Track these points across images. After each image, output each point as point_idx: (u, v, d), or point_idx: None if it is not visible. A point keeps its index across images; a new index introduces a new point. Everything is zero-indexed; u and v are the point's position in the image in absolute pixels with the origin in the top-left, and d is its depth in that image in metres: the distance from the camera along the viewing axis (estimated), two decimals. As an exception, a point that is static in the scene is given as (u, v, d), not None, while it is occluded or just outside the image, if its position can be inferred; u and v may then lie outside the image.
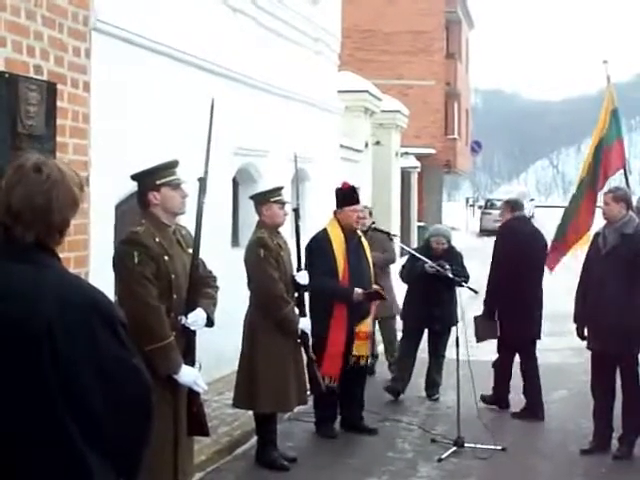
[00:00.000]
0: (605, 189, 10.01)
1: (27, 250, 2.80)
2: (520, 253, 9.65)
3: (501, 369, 10.10)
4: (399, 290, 11.20)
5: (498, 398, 10.04)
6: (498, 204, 47.16)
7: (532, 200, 64.33)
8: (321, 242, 8.53)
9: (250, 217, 9.69)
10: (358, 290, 8.37)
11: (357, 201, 8.64)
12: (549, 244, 10.34)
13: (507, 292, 9.60)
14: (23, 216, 2.79)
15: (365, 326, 8.69)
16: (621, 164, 11.10)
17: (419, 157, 31.73)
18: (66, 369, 2.68)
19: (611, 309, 7.94)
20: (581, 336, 8.52)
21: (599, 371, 8.37)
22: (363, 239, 8.85)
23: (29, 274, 2.77)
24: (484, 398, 9.91)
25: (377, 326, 11.21)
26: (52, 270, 2.83)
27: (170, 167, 5.57)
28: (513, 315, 9.63)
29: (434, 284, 9.69)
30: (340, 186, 8.79)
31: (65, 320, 2.69)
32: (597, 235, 8.44)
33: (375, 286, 8.66)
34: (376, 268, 9.35)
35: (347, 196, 8.63)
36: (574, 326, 8.81)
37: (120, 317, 2.87)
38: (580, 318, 8.47)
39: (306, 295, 7.89)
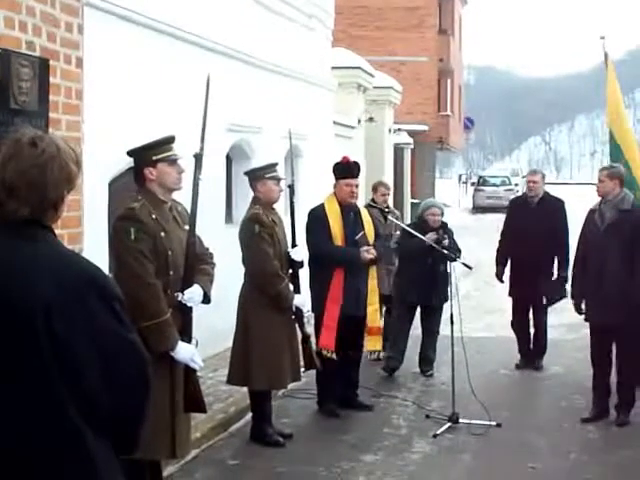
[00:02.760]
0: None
1: (22, 226, 2.78)
2: None
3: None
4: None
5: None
6: (491, 181, 47.44)
7: (525, 177, 64.18)
8: (317, 216, 8.56)
9: (244, 194, 9.69)
10: (362, 249, 8.47)
11: (352, 175, 8.62)
12: None
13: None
14: (17, 190, 2.76)
15: (376, 322, 8.93)
16: None
17: (412, 134, 31.67)
18: (63, 346, 2.66)
19: (612, 283, 8.14)
20: (579, 311, 8.68)
21: (598, 343, 8.52)
22: (364, 212, 8.86)
23: (25, 250, 2.75)
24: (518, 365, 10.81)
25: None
26: (48, 246, 2.81)
27: (167, 143, 5.54)
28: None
29: (429, 260, 9.71)
30: (339, 160, 8.81)
31: (62, 296, 2.68)
32: (593, 212, 8.56)
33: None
34: None
35: (342, 169, 8.66)
36: (569, 303, 8.90)
37: (117, 293, 2.85)
38: (578, 293, 8.59)
39: (301, 272, 7.89)
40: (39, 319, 2.64)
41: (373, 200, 11.00)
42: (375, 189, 11.19)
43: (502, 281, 10.97)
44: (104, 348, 2.73)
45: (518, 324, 10.90)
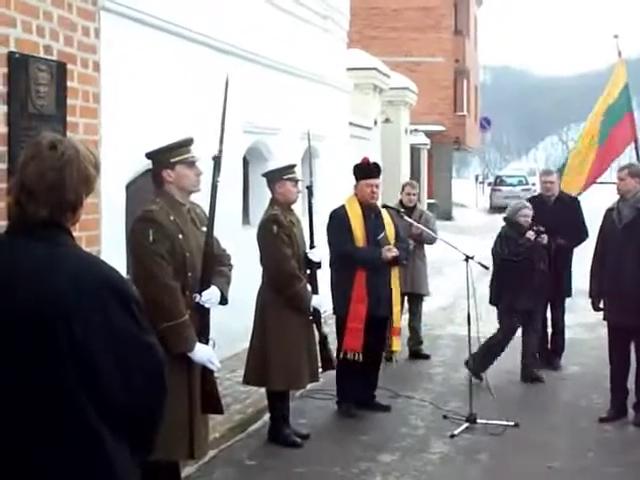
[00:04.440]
0: (616, 164, 10.15)
1: (41, 228, 2.80)
2: None
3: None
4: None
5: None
6: (508, 180, 47.33)
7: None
8: (339, 217, 8.61)
9: (261, 195, 9.71)
10: (384, 248, 8.52)
11: (372, 175, 8.65)
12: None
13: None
14: (36, 193, 2.79)
15: (399, 322, 8.97)
16: (631, 138, 11.19)
17: (428, 134, 31.67)
18: (81, 348, 2.68)
19: (629, 282, 8.12)
20: (596, 308, 8.69)
21: (616, 342, 8.52)
22: (384, 213, 8.89)
23: (43, 252, 2.77)
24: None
25: (406, 303, 11.21)
26: (66, 248, 2.83)
27: (185, 145, 5.57)
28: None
29: (533, 260, 9.64)
30: (360, 161, 8.84)
31: (80, 299, 2.70)
32: (610, 210, 8.56)
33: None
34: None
35: (362, 170, 8.71)
36: (585, 302, 8.90)
37: (134, 295, 2.87)
38: (596, 291, 8.59)
39: (319, 273, 7.91)
40: (58, 321, 2.66)
41: (401, 201, 11.06)
42: (402, 189, 11.32)
43: None
44: (121, 350, 2.75)
45: None
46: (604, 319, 8.65)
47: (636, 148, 11.18)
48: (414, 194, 11.20)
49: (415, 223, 10.02)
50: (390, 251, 8.49)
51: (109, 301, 2.75)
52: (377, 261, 8.47)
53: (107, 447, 2.73)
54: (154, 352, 2.88)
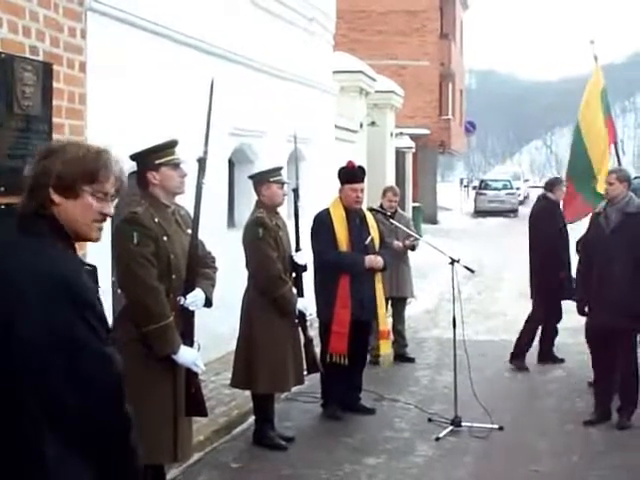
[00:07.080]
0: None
1: (27, 221, 2.83)
2: None
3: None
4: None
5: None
6: (492, 185, 47.45)
7: (527, 181, 64.42)
8: (322, 221, 8.58)
9: (246, 198, 9.70)
10: (369, 257, 8.51)
11: (357, 180, 8.63)
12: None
13: None
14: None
15: (387, 324, 9.05)
16: (612, 140, 11.25)
17: (414, 137, 31.71)
18: (26, 348, 2.63)
19: (617, 286, 8.13)
20: (582, 312, 8.67)
21: (600, 345, 8.50)
22: (369, 217, 8.86)
23: (16, 249, 2.78)
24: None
25: (389, 307, 11.18)
26: (40, 243, 2.82)
27: (169, 147, 5.56)
28: None
29: None
30: (345, 165, 8.81)
31: (30, 297, 2.66)
32: (597, 215, 8.56)
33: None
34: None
35: (347, 174, 8.67)
36: (570, 306, 8.90)
37: (91, 301, 2.77)
38: (582, 295, 8.60)
39: (305, 275, 7.90)
40: (8, 325, 2.63)
41: (381, 205, 10.99)
42: (384, 194, 11.23)
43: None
44: (71, 357, 2.66)
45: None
46: (587, 321, 8.64)
47: (616, 153, 11.24)
48: (396, 200, 11.15)
49: (405, 228, 10.04)
50: (376, 262, 8.50)
51: (60, 304, 2.68)
52: (360, 268, 8.46)
53: (48, 458, 2.65)
54: (107, 363, 2.75)
